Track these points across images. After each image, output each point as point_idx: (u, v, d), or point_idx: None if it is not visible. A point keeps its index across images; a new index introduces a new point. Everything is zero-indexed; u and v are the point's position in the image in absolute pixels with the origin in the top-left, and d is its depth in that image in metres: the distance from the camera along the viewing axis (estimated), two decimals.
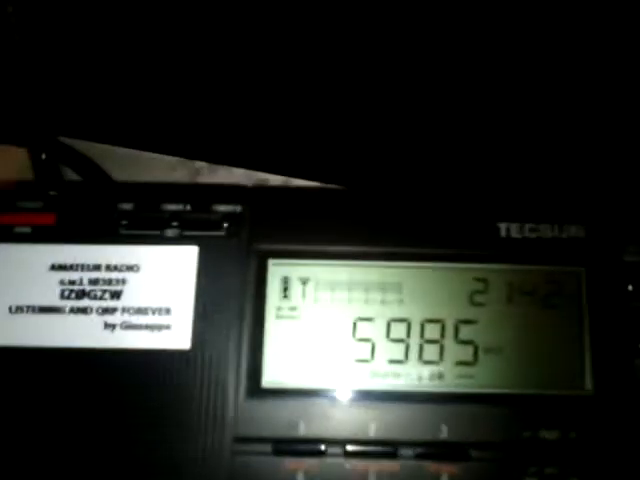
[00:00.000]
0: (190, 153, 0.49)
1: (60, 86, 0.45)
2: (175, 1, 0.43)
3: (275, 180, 0.48)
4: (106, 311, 0.30)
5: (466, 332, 0.30)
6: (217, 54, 0.46)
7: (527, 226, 0.31)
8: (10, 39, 0.31)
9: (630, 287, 0.30)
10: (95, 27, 0.45)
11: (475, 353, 0.30)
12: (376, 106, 0.38)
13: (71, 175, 0.41)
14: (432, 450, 0.29)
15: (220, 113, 0.48)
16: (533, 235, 0.31)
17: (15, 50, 0.35)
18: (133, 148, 0.50)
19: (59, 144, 0.43)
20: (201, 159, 0.49)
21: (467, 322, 0.30)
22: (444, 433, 0.29)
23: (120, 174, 0.47)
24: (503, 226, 0.31)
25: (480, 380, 0.30)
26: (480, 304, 0.30)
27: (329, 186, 0.46)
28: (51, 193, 0.32)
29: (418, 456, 0.28)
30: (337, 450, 0.29)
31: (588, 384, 0.29)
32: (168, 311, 0.30)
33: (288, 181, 0.48)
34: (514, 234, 0.31)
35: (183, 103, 0.48)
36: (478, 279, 0.30)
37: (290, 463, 0.29)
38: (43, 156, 0.35)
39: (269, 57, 0.46)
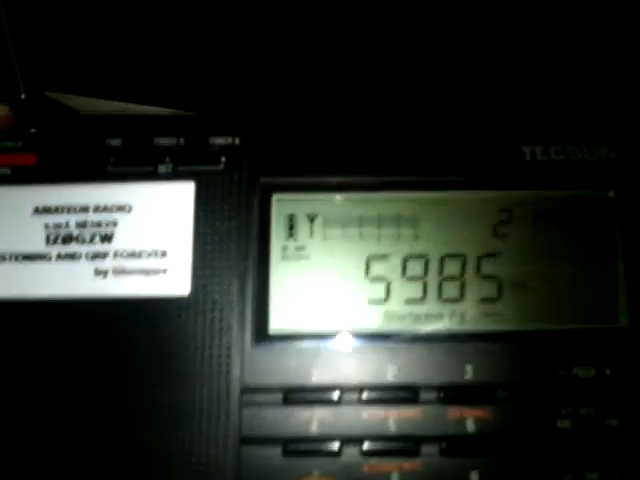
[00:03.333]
0: (180, 105, 0.47)
1: (43, 38, 0.42)
2: None
3: None
4: (96, 256, 0.28)
5: (489, 266, 0.28)
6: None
7: (553, 148, 0.28)
8: None
9: None
10: None
11: (499, 288, 0.28)
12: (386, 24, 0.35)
13: None
14: (456, 393, 0.26)
15: (210, 62, 0.45)
16: (560, 158, 0.28)
17: None
18: (120, 100, 0.47)
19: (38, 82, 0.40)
20: (190, 110, 0.47)
21: (490, 255, 0.28)
22: (469, 374, 0.26)
23: None
24: (527, 149, 0.28)
25: (505, 317, 0.27)
26: (504, 235, 0.28)
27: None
28: (31, 131, 0.30)
29: (441, 400, 0.26)
30: (353, 397, 0.26)
31: (623, 316, 0.27)
32: (164, 254, 0.28)
33: None
34: (539, 157, 0.28)
35: (172, 53, 0.45)
36: (502, 208, 0.28)
37: (302, 413, 0.26)
38: (23, 96, 0.32)
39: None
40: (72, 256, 0.28)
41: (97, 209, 0.28)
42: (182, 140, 0.29)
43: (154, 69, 0.46)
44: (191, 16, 0.42)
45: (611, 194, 0.28)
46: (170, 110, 0.47)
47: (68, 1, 0.41)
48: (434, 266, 0.28)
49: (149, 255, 0.28)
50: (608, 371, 0.26)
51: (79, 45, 0.46)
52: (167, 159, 0.29)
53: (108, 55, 0.46)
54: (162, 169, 0.28)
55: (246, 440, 0.26)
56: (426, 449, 0.26)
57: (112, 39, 0.44)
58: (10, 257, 0.28)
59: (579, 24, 0.30)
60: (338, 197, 0.28)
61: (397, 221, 0.28)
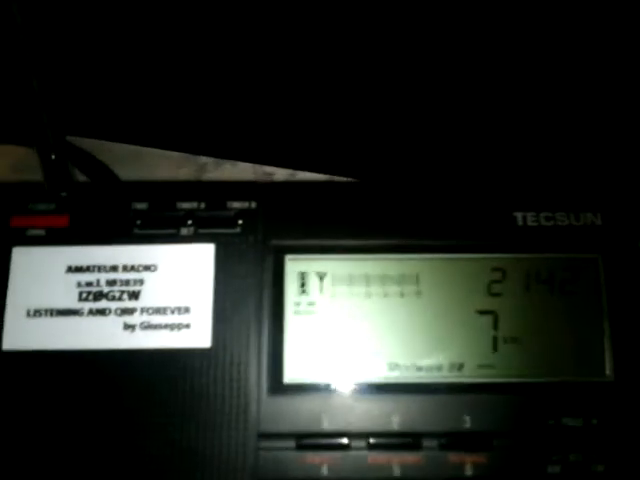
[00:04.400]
0: (195, 148, 0.49)
1: (64, 84, 0.44)
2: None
3: (281, 173, 0.48)
4: (125, 312, 0.30)
5: (485, 322, 0.30)
6: (220, 48, 0.46)
7: (543, 214, 0.31)
8: (15, 36, 0.31)
9: None
10: (99, 25, 0.45)
11: (494, 343, 0.30)
12: (385, 95, 0.38)
13: (78, 176, 0.41)
14: (455, 440, 0.29)
15: (225, 107, 0.48)
16: (549, 223, 0.31)
17: (20, 48, 0.34)
18: (137, 145, 0.50)
19: (66, 144, 0.42)
20: (206, 154, 0.49)
21: (485, 312, 0.30)
22: (467, 423, 0.29)
23: (125, 171, 0.47)
24: (519, 215, 0.31)
25: (500, 370, 0.30)
26: (498, 294, 0.30)
27: (338, 178, 0.46)
28: (63, 194, 0.32)
29: (442, 447, 0.29)
30: (360, 443, 0.29)
31: (608, 370, 0.30)
32: (187, 310, 0.30)
33: (294, 174, 0.48)
34: (530, 223, 0.31)
35: (187, 98, 0.48)
36: (495, 269, 0.30)
37: (314, 457, 0.29)
38: (53, 156, 0.35)
39: (272, 51, 0.46)
40: (102, 312, 0.30)
41: (125, 268, 0.31)
42: (202, 204, 0.31)
43: (166, 114, 0.49)
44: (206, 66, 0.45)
45: (597, 257, 0.30)
46: (183, 154, 0.50)
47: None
48: (435, 321, 0.30)
49: (173, 311, 0.30)
50: (595, 421, 0.29)
51: (96, 90, 0.48)
52: (189, 222, 0.31)
53: (123, 99, 0.48)
54: (184, 232, 0.31)
55: None
56: None
57: (127, 85, 0.47)
58: (46, 312, 0.30)
59: (559, 96, 0.33)
60: (345, 258, 0.31)
61: (400, 280, 0.31)
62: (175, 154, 0.49)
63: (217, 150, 0.49)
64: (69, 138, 0.47)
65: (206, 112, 0.49)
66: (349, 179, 0.46)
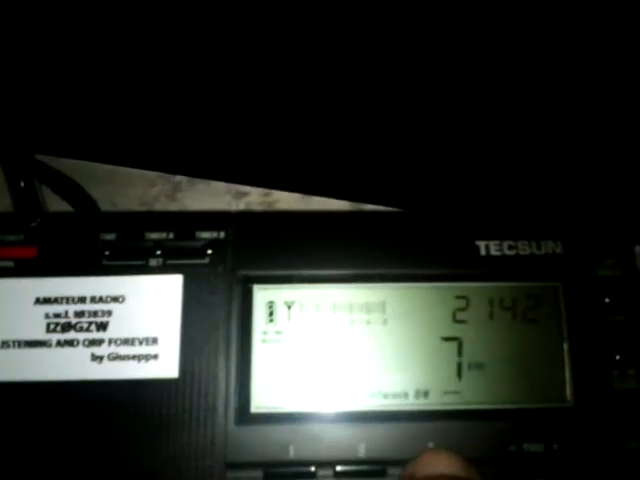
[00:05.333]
0: (169, 167, 0.49)
1: (35, 101, 0.44)
2: (149, 20, 0.43)
3: (255, 192, 0.49)
4: (93, 343, 0.30)
5: (449, 349, 0.31)
6: (195, 69, 0.46)
7: (505, 243, 0.32)
8: None
9: (607, 300, 0.31)
10: (71, 41, 0.45)
11: (459, 370, 0.31)
12: (355, 121, 0.39)
13: (48, 196, 0.41)
14: None
15: (199, 126, 0.48)
16: (512, 252, 0.31)
17: None
18: (111, 164, 0.50)
19: (37, 164, 0.42)
20: (180, 173, 0.49)
21: (450, 339, 0.31)
22: None
23: (98, 191, 0.47)
24: (482, 244, 0.32)
25: (465, 397, 0.30)
26: (462, 321, 0.31)
27: (314, 198, 0.46)
28: (32, 224, 0.32)
29: None
30: (327, 472, 0.29)
31: (568, 396, 0.30)
32: (155, 341, 0.30)
33: (269, 193, 0.49)
34: (493, 252, 0.31)
35: (160, 117, 0.48)
36: (460, 297, 0.31)
37: None
38: (22, 184, 0.35)
39: (244, 70, 0.46)
40: (70, 343, 0.30)
41: (93, 300, 0.31)
42: (171, 234, 0.32)
43: (145, 132, 0.49)
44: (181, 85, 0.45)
45: (557, 285, 0.31)
46: (157, 173, 0.50)
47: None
48: (401, 348, 0.31)
49: (141, 342, 0.30)
50: (555, 446, 0.29)
51: (70, 108, 0.48)
52: (157, 252, 0.31)
53: (99, 118, 0.48)
54: (153, 262, 0.31)
55: None
56: None
57: (103, 102, 0.47)
58: (13, 344, 0.30)
59: (520, 127, 0.34)
60: (312, 287, 0.31)
61: (367, 308, 0.31)
62: (149, 173, 0.49)
63: (191, 169, 0.49)
64: (42, 157, 0.47)
65: (181, 131, 0.49)
66: (323, 197, 0.46)
